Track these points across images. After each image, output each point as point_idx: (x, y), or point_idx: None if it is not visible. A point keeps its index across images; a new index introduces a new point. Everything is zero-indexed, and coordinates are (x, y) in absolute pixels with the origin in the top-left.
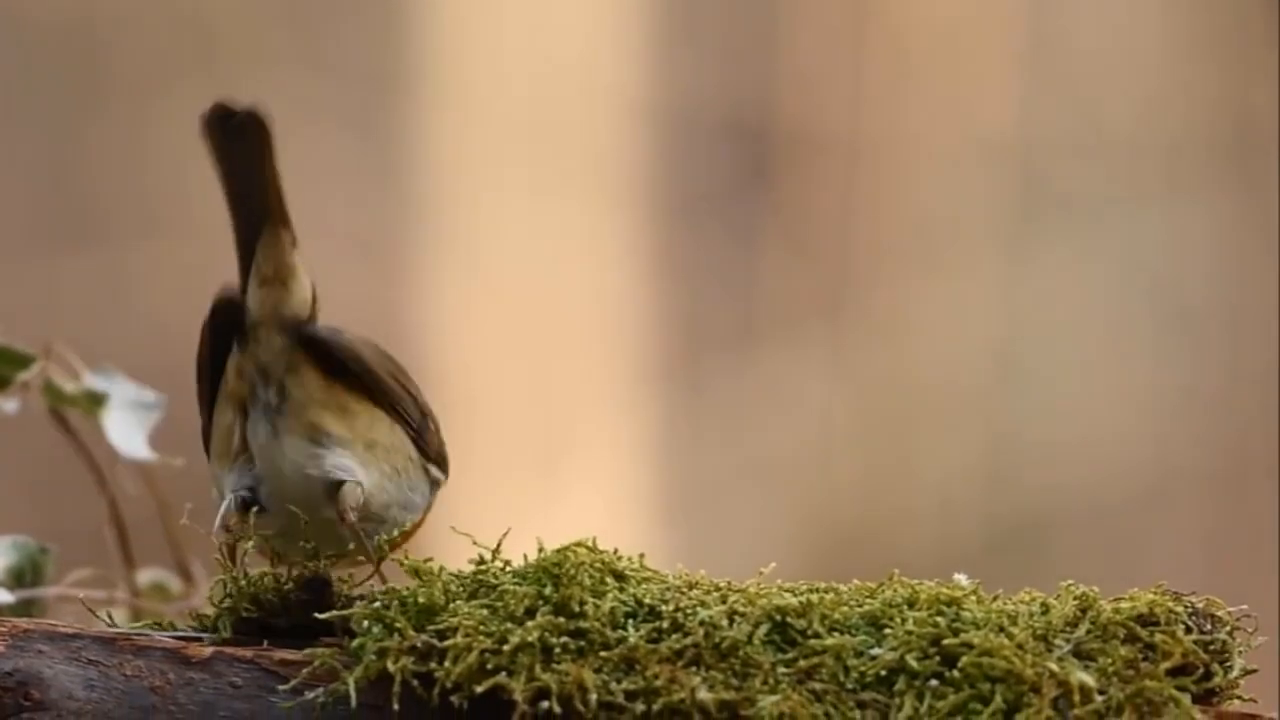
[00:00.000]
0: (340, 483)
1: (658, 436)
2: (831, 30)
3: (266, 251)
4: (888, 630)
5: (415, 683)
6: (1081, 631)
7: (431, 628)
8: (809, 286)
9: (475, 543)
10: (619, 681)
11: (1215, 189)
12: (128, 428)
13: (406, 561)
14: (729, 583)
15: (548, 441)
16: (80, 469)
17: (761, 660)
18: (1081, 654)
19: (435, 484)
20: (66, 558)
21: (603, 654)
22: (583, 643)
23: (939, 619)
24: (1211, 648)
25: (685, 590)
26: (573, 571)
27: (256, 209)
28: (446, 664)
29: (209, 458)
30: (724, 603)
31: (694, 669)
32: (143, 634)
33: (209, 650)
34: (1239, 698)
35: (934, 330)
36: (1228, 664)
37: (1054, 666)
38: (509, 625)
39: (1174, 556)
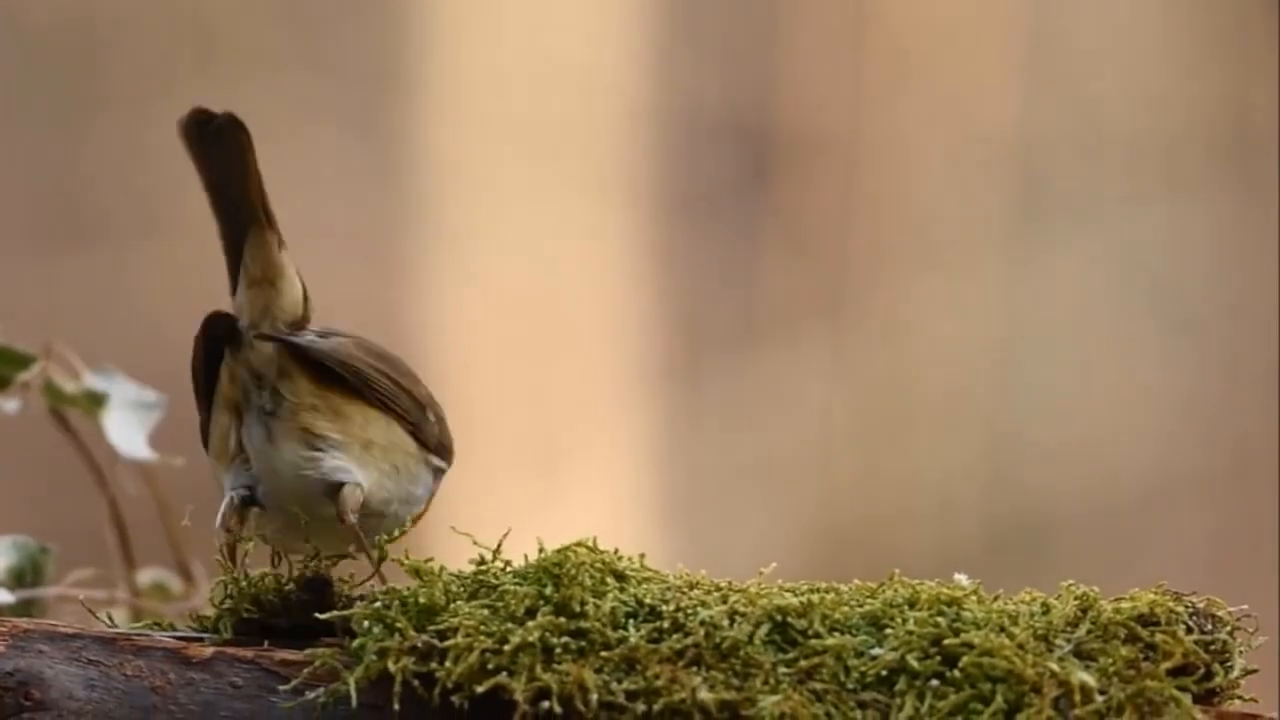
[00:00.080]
0: (340, 484)
1: (658, 436)
2: (831, 31)
3: (253, 253)
4: (888, 630)
5: (416, 683)
6: (1082, 631)
7: (432, 628)
8: (809, 286)
9: (476, 543)
10: (620, 681)
11: (1215, 189)
12: (128, 428)
13: (407, 562)
14: (729, 583)
15: (547, 441)
16: (80, 469)
17: (762, 660)
18: (1082, 654)
19: (439, 473)
20: (67, 558)
21: (603, 654)
22: (583, 643)
23: (940, 619)
24: (1212, 648)
25: (686, 590)
26: (573, 571)
27: (241, 212)
28: (447, 664)
29: (209, 456)
30: (725, 603)
31: (695, 669)
32: (143, 634)
33: (209, 650)
34: (1240, 698)
35: (934, 330)
36: (1228, 664)
37: (1055, 666)
38: (510, 625)
39: (1175, 557)
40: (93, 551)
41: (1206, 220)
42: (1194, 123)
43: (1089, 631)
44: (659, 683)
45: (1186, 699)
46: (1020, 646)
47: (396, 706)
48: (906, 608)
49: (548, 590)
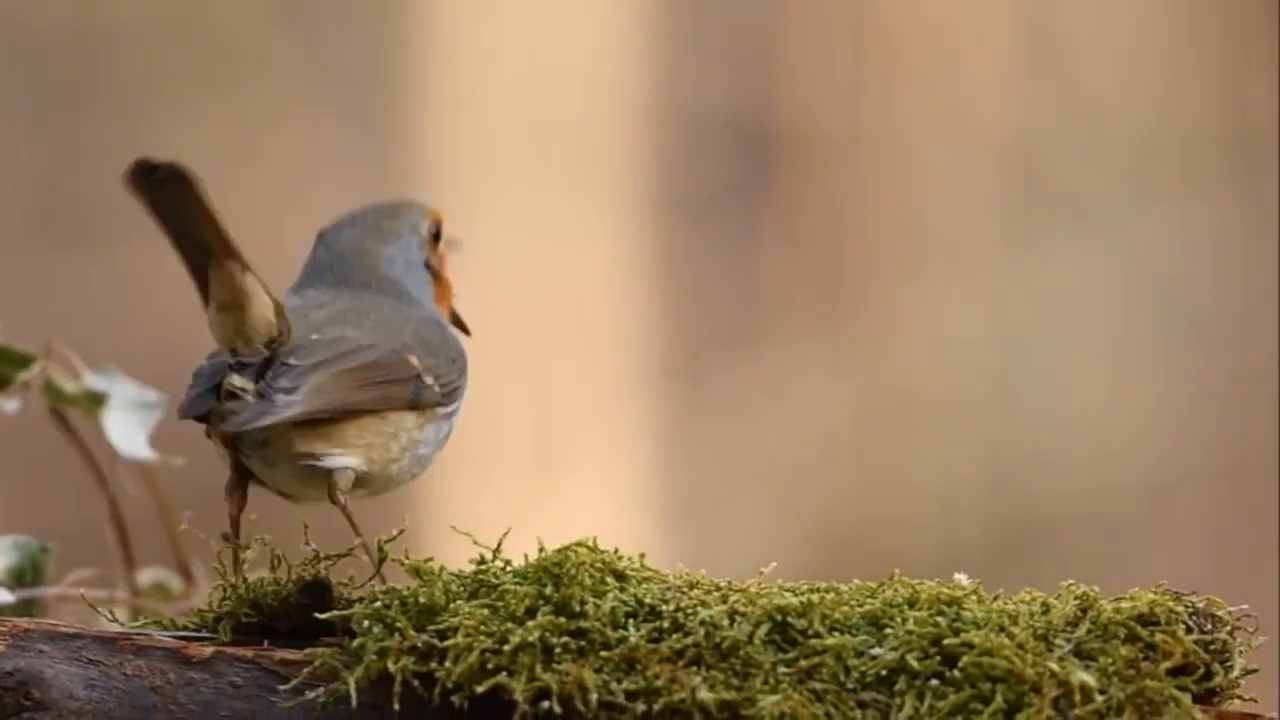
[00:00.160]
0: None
1: (658, 436)
2: (832, 31)
3: (218, 283)
4: (888, 630)
5: (416, 683)
6: (1082, 631)
7: (432, 628)
8: (809, 286)
9: (476, 542)
10: (619, 681)
11: (1216, 188)
12: (128, 427)
13: (407, 562)
14: (729, 582)
15: (547, 441)
16: (80, 469)
17: (762, 660)
18: (1082, 654)
19: (450, 415)
20: (67, 558)
21: (603, 654)
22: (583, 642)
23: (939, 619)
24: (1212, 647)
25: (686, 590)
26: (573, 571)
27: (199, 249)
28: (447, 664)
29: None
30: (724, 602)
31: (695, 669)
32: (143, 634)
33: (209, 650)
34: (1239, 697)
35: (934, 330)
36: (1228, 664)
37: (1055, 666)
38: (510, 625)
39: (1175, 557)
40: (93, 551)
41: (1207, 220)
42: (1194, 123)
43: (1089, 631)
44: (659, 682)
45: (1186, 699)
46: (1020, 646)
47: (396, 706)
48: (906, 607)
49: (548, 590)
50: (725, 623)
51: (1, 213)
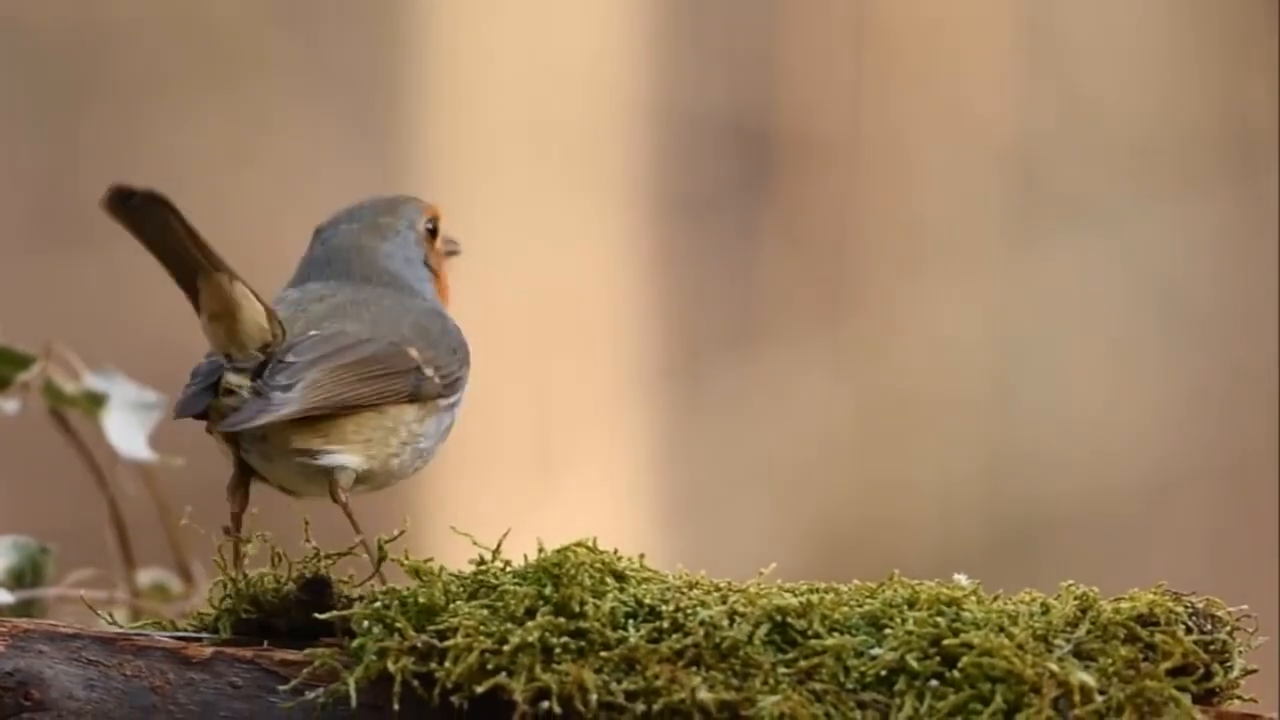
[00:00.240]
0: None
1: (658, 436)
2: (832, 32)
3: (206, 294)
4: (888, 630)
5: (415, 683)
6: (1082, 632)
7: (432, 628)
8: (809, 286)
9: (475, 543)
10: (619, 682)
11: (1216, 189)
12: (128, 428)
13: (407, 562)
14: (729, 583)
15: (547, 441)
16: (80, 469)
17: (762, 660)
18: (1082, 654)
19: (452, 407)
20: (66, 558)
21: (603, 654)
22: (583, 643)
23: (939, 619)
24: (1212, 648)
25: (685, 590)
26: (573, 572)
27: (184, 265)
28: (447, 664)
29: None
30: (724, 603)
31: (694, 669)
32: (143, 634)
33: (209, 650)
34: (1239, 698)
35: (934, 330)
36: (1228, 664)
37: (1054, 667)
38: (509, 625)
39: (1175, 557)
40: (93, 552)
41: (1207, 220)
42: (1194, 123)
43: (1088, 632)
44: (658, 683)
45: (1186, 699)
46: (1020, 647)
47: (396, 706)
48: (906, 608)
49: (547, 590)
50: (725, 623)
51: (1, 213)
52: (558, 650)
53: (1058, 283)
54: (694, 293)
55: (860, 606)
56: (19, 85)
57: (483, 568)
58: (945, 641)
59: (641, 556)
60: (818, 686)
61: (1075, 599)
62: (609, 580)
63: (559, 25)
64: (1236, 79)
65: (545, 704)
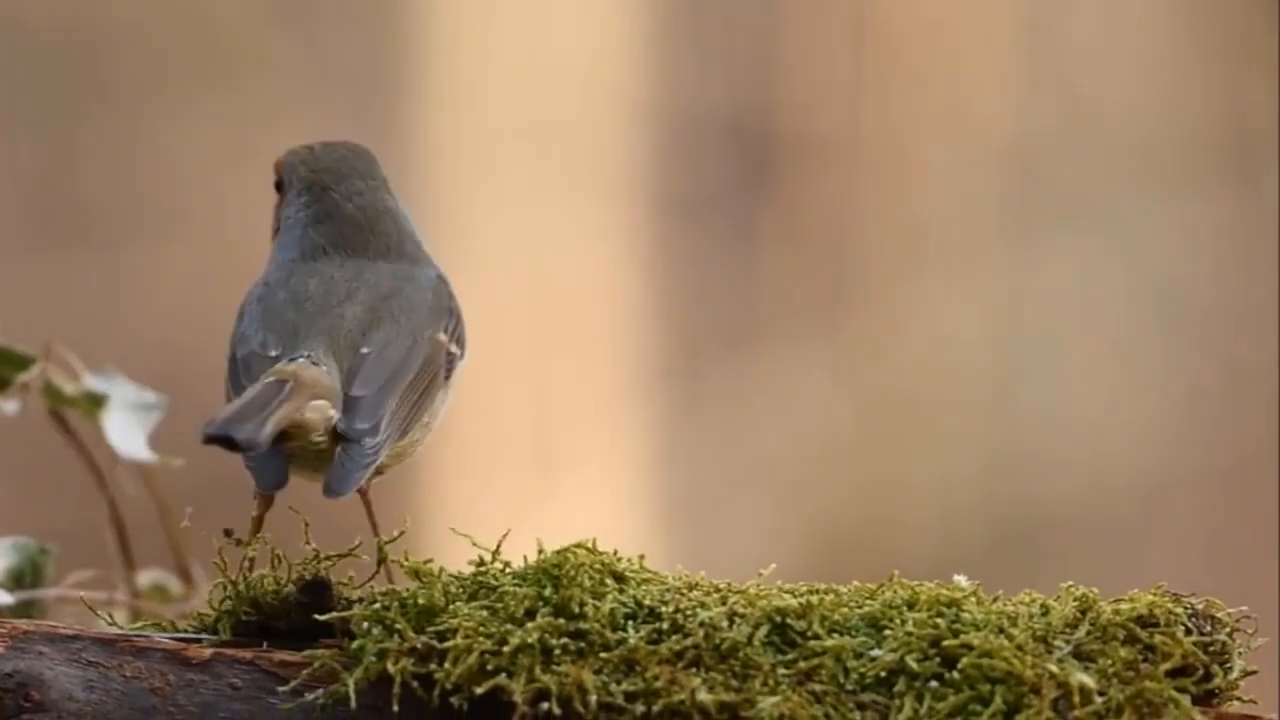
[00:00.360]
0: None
1: (658, 437)
2: (832, 32)
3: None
4: (888, 631)
5: (415, 684)
6: (1081, 633)
7: (431, 629)
8: (809, 287)
9: (475, 544)
10: (619, 683)
11: (1215, 189)
12: (127, 429)
13: (406, 563)
14: (729, 584)
15: (546, 442)
16: (80, 470)
17: (761, 661)
18: (1081, 655)
19: (450, 386)
20: (66, 559)
21: (603, 655)
22: (582, 644)
23: (939, 620)
24: (1211, 649)
25: (685, 591)
26: (572, 573)
27: None
28: (446, 665)
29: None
30: (724, 604)
31: (694, 670)
32: (143, 635)
33: (209, 652)
34: (1239, 699)
35: (934, 330)
36: (1227, 665)
37: (1054, 668)
38: (509, 626)
39: (1174, 557)
40: (92, 553)
41: (1206, 220)
42: (1194, 123)
43: (1088, 633)
44: (658, 684)
45: (1185, 700)
46: (1019, 648)
47: (396, 708)
48: (906, 609)
49: (547, 591)
50: (725, 624)
51: (1, 213)
52: (557, 651)
53: (1057, 283)
54: (694, 293)
55: (860, 608)
56: (19, 85)
57: (482, 569)
58: (945, 643)
59: (641, 558)
60: (817, 688)
61: (1075, 600)
62: (609, 581)
63: (559, 25)
64: (1236, 79)
65: (545, 705)
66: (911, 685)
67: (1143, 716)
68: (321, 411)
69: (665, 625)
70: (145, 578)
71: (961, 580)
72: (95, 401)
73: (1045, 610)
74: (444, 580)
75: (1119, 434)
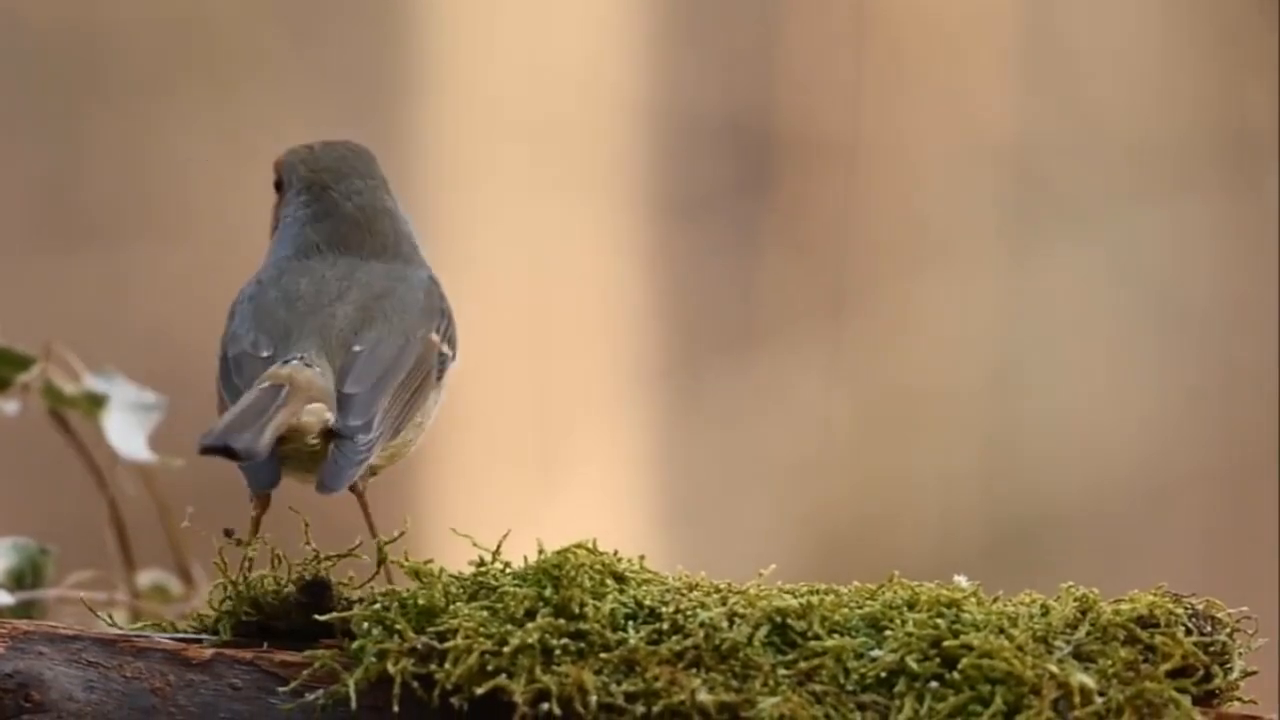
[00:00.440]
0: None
1: (657, 437)
2: (832, 32)
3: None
4: (888, 632)
5: (415, 684)
6: (1081, 633)
7: (431, 629)
8: (809, 288)
9: (475, 544)
10: (619, 683)
11: (1215, 189)
12: (127, 429)
13: (406, 564)
14: (729, 584)
15: (546, 442)
16: (80, 470)
17: (762, 662)
18: (1081, 656)
19: (443, 387)
20: (66, 559)
21: (603, 656)
22: (583, 644)
23: (939, 621)
24: (1211, 649)
25: (685, 592)
26: (573, 573)
27: None
28: (447, 666)
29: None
30: (724, 604)
31: (694, 671)
32: (143, 636)
33: (209, 652)
34: (1239, 699)
35: (934, 331)
36: (1228, 666)
37: (1054, 668)
38: (509, 627)
39: (1174, 558)
40: (92, 553)
41: (1206, 221)
42: (1194, 123)
43: (1088, 633)
44: (658, 684)
45: (1186, 701)
46: (1019, 648)
47: (396, 708)
48: (906, 609)
49: (547, 592)
50: (725, 625)
51: (1, 213)
52: (558, 652)
53: (1057, 283)
54: (693, 293)
55: (860, 608)
56: (19, 85)
57: (482, 569)
58: (945, 643)
59: (641, 558)
60: (817, 688)
61: (1075, 600)
62: (609, 582)
63: (559, 26)
64: (1235, 80)
65: (545, 705)
66: (912, 686)
67: (1143, 717)
68: (318, 414)
69: (665, 626)
70: (145, 578)
71: (961, 580)
72: (95, 402)
73: (1045, 610)
74: (444, 581)
75: (1118, 433)
